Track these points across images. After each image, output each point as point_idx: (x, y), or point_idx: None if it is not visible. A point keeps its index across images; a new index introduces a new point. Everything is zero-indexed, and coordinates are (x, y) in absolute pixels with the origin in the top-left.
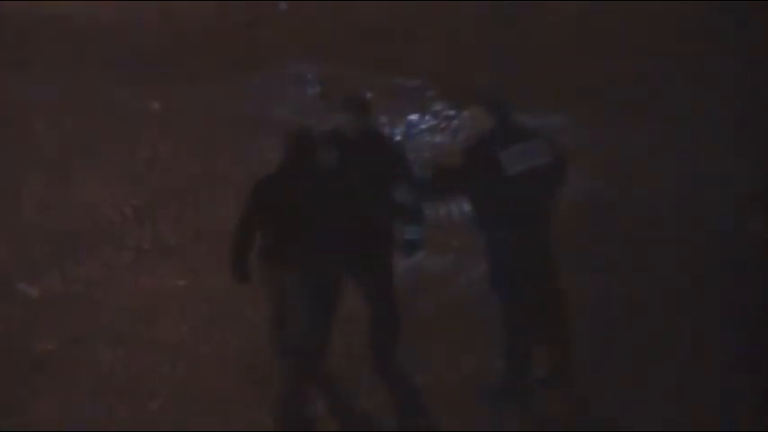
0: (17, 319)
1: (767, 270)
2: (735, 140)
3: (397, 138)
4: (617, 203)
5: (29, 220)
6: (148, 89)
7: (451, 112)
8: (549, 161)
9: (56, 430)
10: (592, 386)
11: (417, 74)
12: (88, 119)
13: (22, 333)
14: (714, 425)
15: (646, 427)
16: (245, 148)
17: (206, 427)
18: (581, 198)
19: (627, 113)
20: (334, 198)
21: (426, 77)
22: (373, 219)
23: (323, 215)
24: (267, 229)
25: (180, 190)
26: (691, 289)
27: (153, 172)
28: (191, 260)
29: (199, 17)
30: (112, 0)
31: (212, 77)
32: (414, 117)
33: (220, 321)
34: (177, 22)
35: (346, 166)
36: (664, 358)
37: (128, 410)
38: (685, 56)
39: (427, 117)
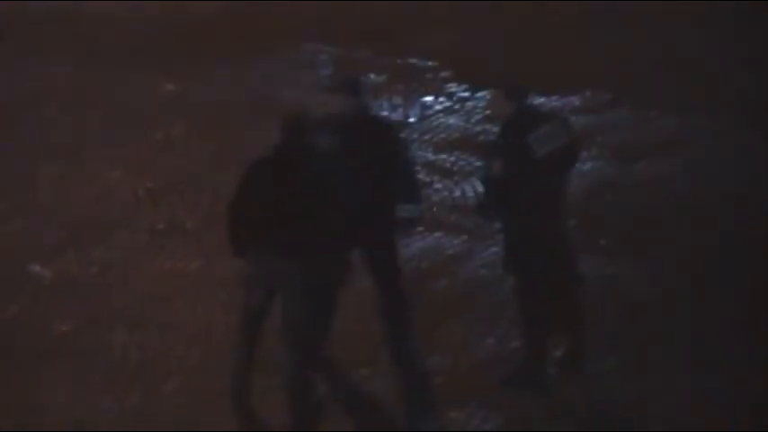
0: (32, 301)
1: None
2: None
3: (394, 118)
4: None
5: (43, 204)
6: (162, 73)
7: (466, 94)
8: (569, 141)
9: (70, 413)
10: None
11: (431, 55)
12: (102, 103)
13: (36, 316)
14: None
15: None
16: (259, 130)
17: (220, 411)
18: None
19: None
20: (329, 181)
21: (440, 58)
22: (369, 200)
23: (318, 199)
24: (262, 211)
25: (194, 173)
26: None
27: (167, 155)
28: (206, 243)
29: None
30: None
31: (226, 60)
32: (428, 98)
33: (235, 305)
34: (191, 5)
35: (341, 149)
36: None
37: (142, 394)
38: None
39: (441, 98)
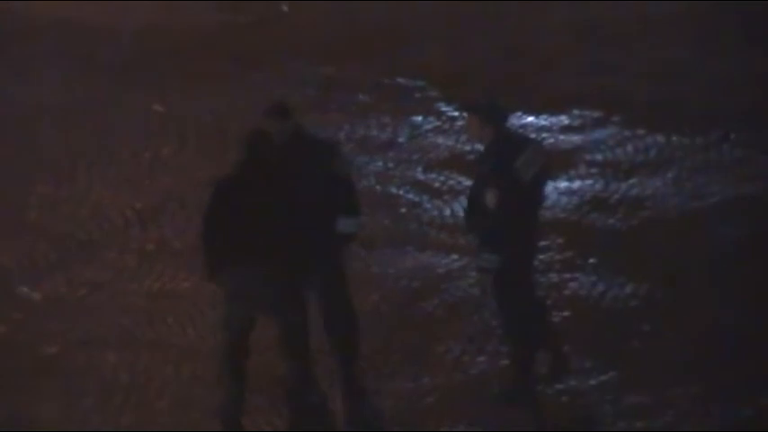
0: (21, 322)
1: None
2: None
3: (332, 137)
4: None
5: (33, 223)
6: (152, 91)
7: (455, 114)
8: (546, 163)
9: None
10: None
11: (420, 75)
12: (92, 121)
13: (26, 336)
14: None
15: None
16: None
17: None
18: None
19: None
20: (274, 198)
21: (429, 79)
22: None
23: (266, 215)
24: (229, 227)
25: (184, 193)
26: None
27: (157, 175)
28: (194, 263)
29: (202, 18)
30: (117, 0)
31: (216, 79)
32: (417, 118)
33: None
34: (181, 23)
35: (280, 169)
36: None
37: (132, 413)
38: None
39: (430, 118)
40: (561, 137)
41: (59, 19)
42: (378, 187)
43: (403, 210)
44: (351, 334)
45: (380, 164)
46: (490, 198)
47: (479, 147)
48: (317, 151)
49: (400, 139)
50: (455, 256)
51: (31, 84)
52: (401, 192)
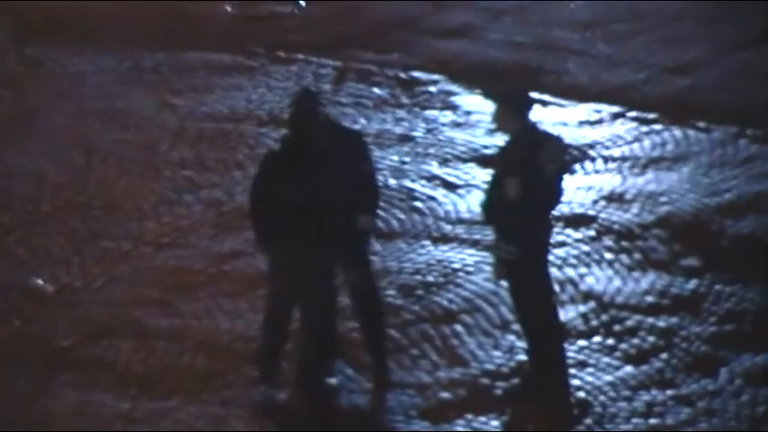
0: (35, 314)
1: None
2: None
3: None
4: None
5: (47, 215)
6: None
7: (471, 107)
8: (567, 159)
9: (75, 426)
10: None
11: (435, 68)
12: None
13: (40, 329)
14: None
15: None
16: (259, 142)
17: (227, 421)
18: None
19: None
20: (316, 179)
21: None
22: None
23: (308, 195)
24: (273, 206)
25: (199, 184)
26: None
27: (171, 167)
28: (210, 255)
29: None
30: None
31: (231, 72)
32: (433, 112)
33: (242, 315)
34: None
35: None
36: None
37: (147, 405)
38: None
39: (446, 112)
40: (579, 130)
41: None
42: (393, 181)
43: (419, 204)
44: (378, 325)
45: (396, 158)
46: (511, 188)
47: (495, 141)
48: (344, 143)
49: (415, 133)
50: (471, 251)
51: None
52: (417, 186)
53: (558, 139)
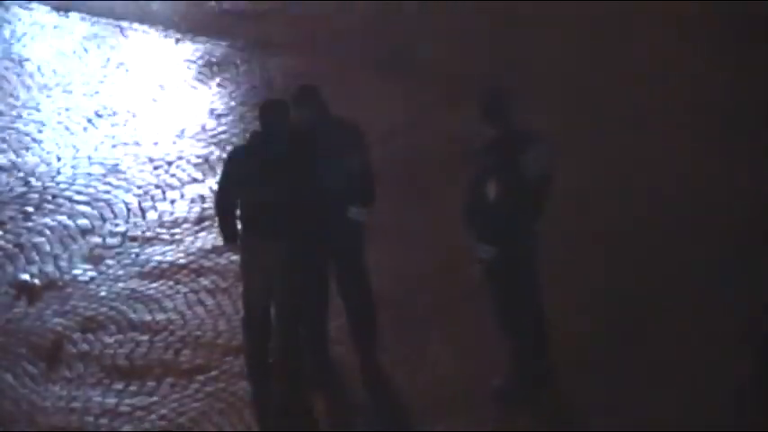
0: (24, 307)
1: None
2: None
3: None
4: None
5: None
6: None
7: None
8: (551, 165)
9: (63, 416)
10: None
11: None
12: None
13: (27, 324)
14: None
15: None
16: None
17: (212, 413)
18: None
19: None
20: (296, 173)
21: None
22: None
23: (281, 192)
24: (247, 198)
25: (181, 179)
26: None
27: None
28: (194, 249)
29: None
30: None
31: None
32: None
33: (226, 308)
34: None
35: (302, 150)
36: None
37: (132, 400)
38: None
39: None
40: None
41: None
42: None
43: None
44: (368, 323)
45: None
46: (491, 190)
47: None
48: (339, 136)
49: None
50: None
51: None
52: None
53: (543, 146)
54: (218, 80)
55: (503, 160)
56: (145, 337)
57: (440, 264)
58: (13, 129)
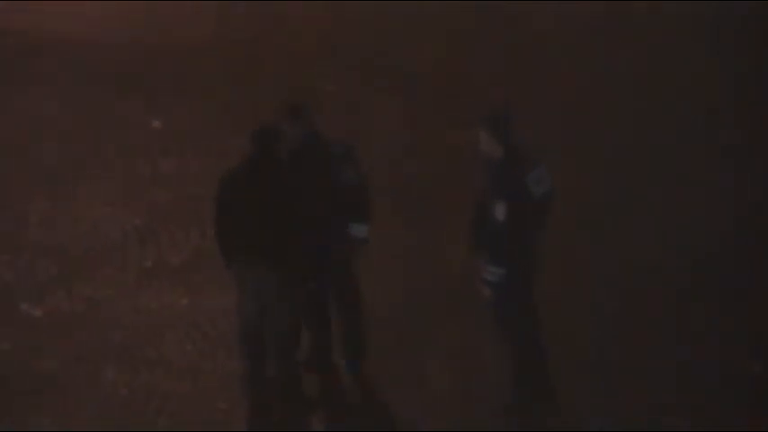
0: (22, 338)
1: None
2: None
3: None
4: None
5: (33, 239)
6: (149, 105)
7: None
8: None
9: None
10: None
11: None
12: (90, 136)
13: (26, 353)
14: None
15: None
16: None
17: None
18: None
19: None
20: (287, 196)
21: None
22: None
23: (279, 212)
24: (236, 224)
25: (182, 208)
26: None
27: (155, 191)
28: (193, 280)
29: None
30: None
31: (211, 92)
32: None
33: (223, 340)
34: (176, 38)
35: (295, 167)
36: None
37: (131, 430)
38: None
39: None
40: None
41: (58, 33)
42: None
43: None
44: (359, 336)
45: None
46: (499, 211)
47: None
48: (330, 154)
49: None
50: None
51: (27, 99)
52: None
53: (544, 166)
54: None
55: (510, 181)
56: (144, 368)
57: (436, 281)
58: None
